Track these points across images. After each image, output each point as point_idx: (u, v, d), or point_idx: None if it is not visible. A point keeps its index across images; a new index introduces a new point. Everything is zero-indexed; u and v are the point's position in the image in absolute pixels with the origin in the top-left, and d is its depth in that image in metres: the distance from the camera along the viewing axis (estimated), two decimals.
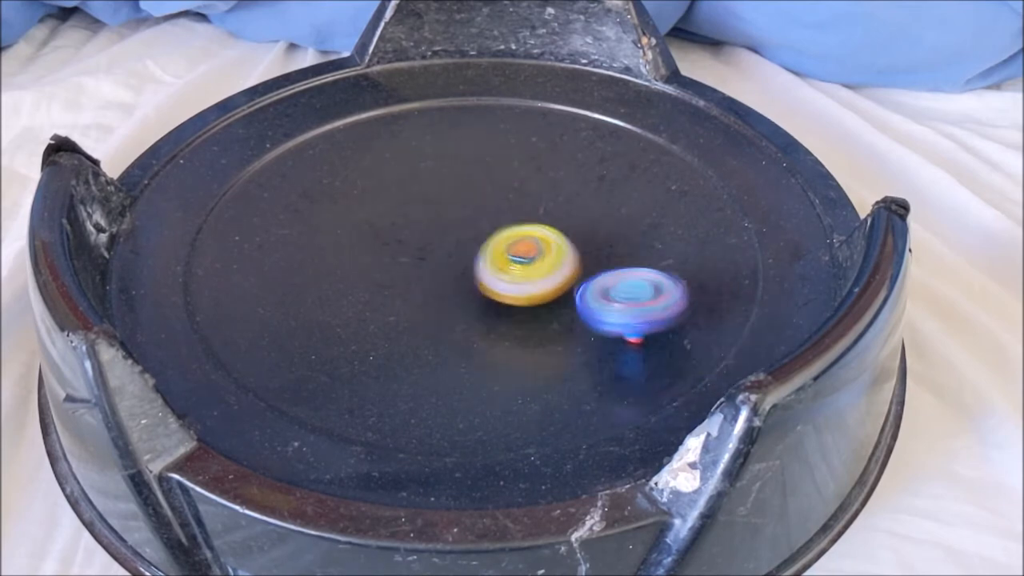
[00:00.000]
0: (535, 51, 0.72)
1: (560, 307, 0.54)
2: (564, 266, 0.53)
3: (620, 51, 0.71)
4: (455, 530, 0.42)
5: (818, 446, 0.46)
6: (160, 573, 0.47)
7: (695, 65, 0.84)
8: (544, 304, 0.53)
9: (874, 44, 0.80)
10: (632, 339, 0.51)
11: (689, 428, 0.43)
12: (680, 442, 0.43)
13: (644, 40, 0.70)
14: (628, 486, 0.43)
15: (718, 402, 0.42)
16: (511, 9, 0.71)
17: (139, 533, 0.46)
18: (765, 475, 0.43)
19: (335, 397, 0.49)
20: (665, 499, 0.43)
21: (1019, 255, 0.66)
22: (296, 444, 0.46)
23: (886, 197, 0.53)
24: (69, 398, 0.45)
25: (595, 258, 0.57)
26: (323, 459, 0.46)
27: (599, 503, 0.43)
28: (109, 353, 0.42)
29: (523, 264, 0.53)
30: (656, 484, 0.43)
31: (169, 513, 0.44)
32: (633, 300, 0.51)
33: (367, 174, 0.63)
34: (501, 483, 0.45)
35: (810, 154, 0.63)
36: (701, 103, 0.68)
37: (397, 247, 0.58)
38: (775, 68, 0.84)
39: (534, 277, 0.53)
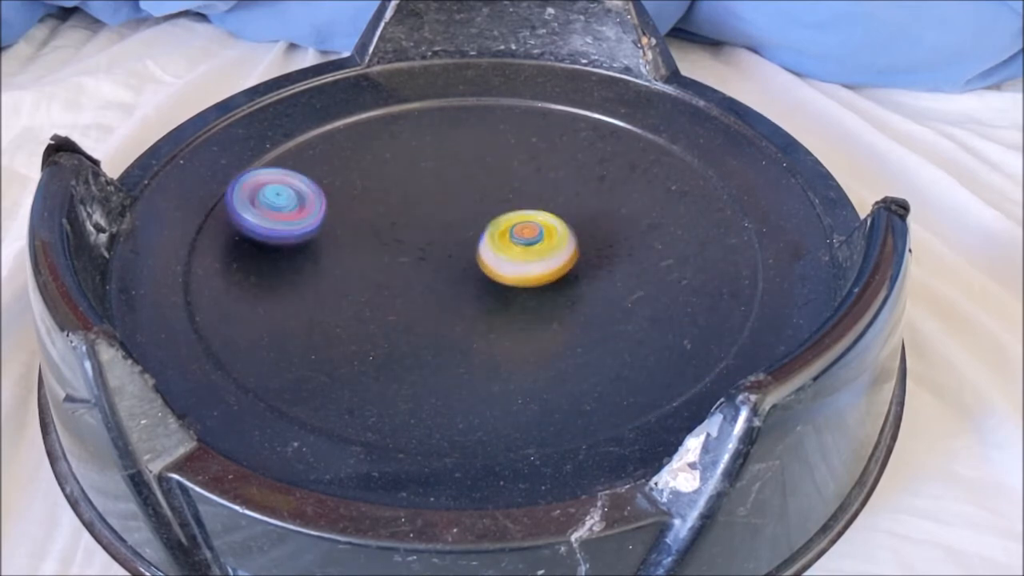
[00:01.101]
0: (535, 51, 0.72)
1: (560, 307, 0.54)
2: (565, 250, 0.54)
3: (620, 51, 0.71)
4: (455, 530, 0.42)
5: (818, 446, 0.46)
6: (160, 573, 0.47)
7: (695, 65, 0.84)
8: (538, 306, 0.54)
9: (874, 44, 0.80)
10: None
11: (689, 428, 0.43)
12: (680, 442, 0.43)
13: (644, 40, 0.70)
14: (628, 486, 0.43)
15: (718, 402, 0.42)
16: (511, 9, 0.72)
17: (139, 533, 0.46)
18: (765, 475, 0.43)
19: (335, 397, 0.49)
20: (665, 499, 0.43)
21: (1019, 255, 0.66)
22: (296, 444, 0.46)
23: (886, 197, 0.53)
24: (69, 398, 0.45)
25: (595, 258, 0.57)
26: (323, 459, 0.46)
27: (599, 503, 0.43)
28: (109, 353, 0.42)
29: (525, 246, 0.54)
30: (656, 484, 0.43)
31: (169, 513, 0.44)
32: (274, 209, 0.56)
33: (367, 174, 0.63)
34: (501, 483, 0.45)
35: (810, 154, 0.63)
36: (701, 103, 0.68)
37: (397, 247, 0.58)
38: (775, 68, 0.84)
39: (534, 259, 0.54)
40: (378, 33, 0.71)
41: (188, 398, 0.48)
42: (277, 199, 0.56)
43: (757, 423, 0.41)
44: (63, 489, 0.51)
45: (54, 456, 0.52)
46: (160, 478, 0.43)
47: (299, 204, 0.56)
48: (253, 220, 0.55)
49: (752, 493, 0.43)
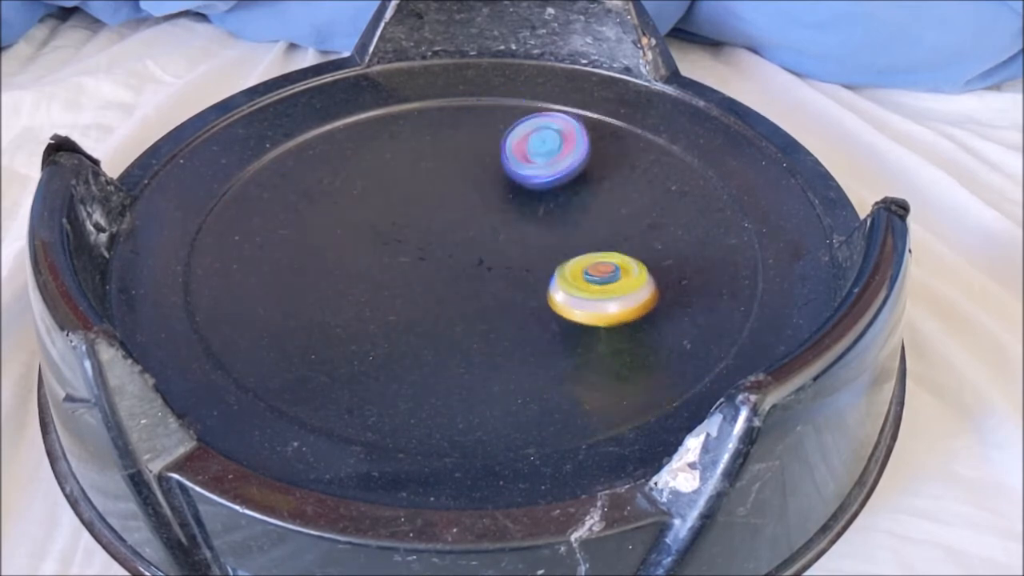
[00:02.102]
0: (535, 51, 0.72)
1: None
2: (643, 289, 0.51)
3: (620, 51, 0.71)
4: (455, 530, 0.42)
5: (818, 446, 0.46)
6: (160, 573, 0.47)
7: (695, 65, 0.84)
8: (538, 305, 0.53)
9: (874, 44, 0.80)
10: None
11: (689, 428, 0.43)
12: (680, 442, 0.43)
13: (644, 40, 0.70)
14: (628, 486, 0.43)
15: (718, 402, 0.42)
16: (511, 9, 0.72)
17: (139, 533, 0.46)
18: (765, 475, 0.43)
19: (335, 397, 0.49)
20: (665, 499, 0.43)
21: (1019, 255, 0.66)
22: (296, 444, 0.46)
23: (886, 197, 0.53)
24: (69, 398, 0.45)
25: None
26: (323, 459, 0.46)
27: (599, 503, 0.43)
28: (109, 353, 0.42)
29: (600, 284, 0.51)
30: (656, 484, 0.43)
31: (169, 513, 0.44)
32: (546, 155, 0.60)
33: (367, 174, 0.63)
34: (501, 483, 0.45)
35: (810, 154, 0.63)
36: (701, 103, 0.68)
37: (397, 247, 0.58)
38: (775, 68, 0.84)
39: (610, 297, 0.51)
40: (378, 33, 0.71)
41: (188, 398, 0.48)
42: (544, 145, 0.61)
43: (757, 423, 0.41)
44: (63, 489, 0.51)
45: (54, 456, 0.52)
46: (160, 478, 0.43)
47: (562, 141, 0.61)
48: (536, 172, 0.60)
49: (752, 493, 0.43)
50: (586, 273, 0.51)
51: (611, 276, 0.51)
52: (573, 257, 0.53)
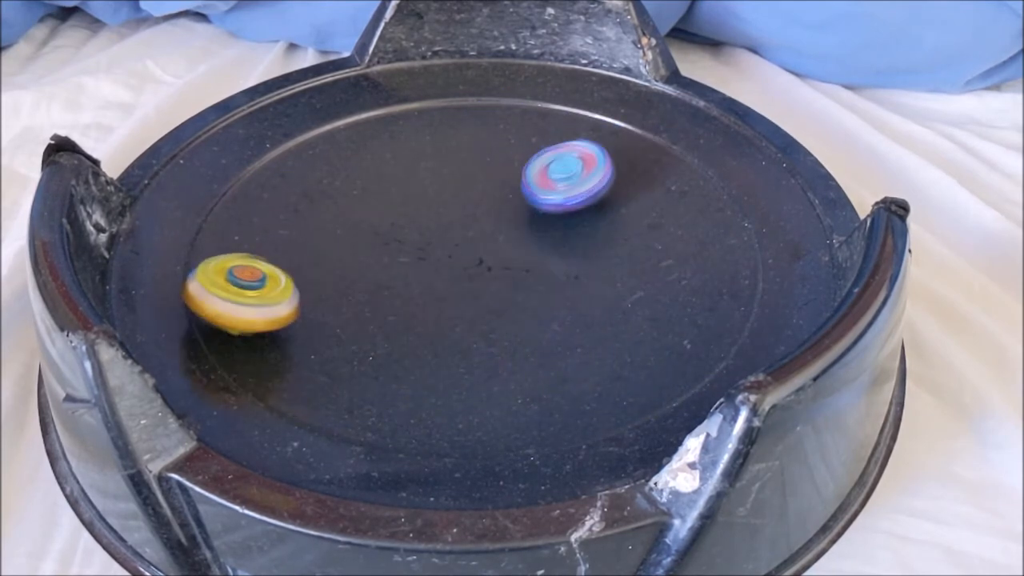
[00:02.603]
0: (535, 51, 0.72)
1: (560, 307, 0.54)
2: (285, 304, 0.51)
3: (620, 51, 0.71)
4: (455, 530, 0.42)
5: (817, 447, 0.46)
6: (160, 573, 0.47)
7: (695, 65, 0.84)
8: (538, 305, 0.54)
9: (874, 45, 0.80)
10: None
11: (689, 428, 0.43)
12: (680, 442, 0.43)
13: (644, 40, 0.70)
14: (628, 486, 0.43)
15: (718, 402, 0.42)
16: (511, 9, 0.72)
17: (139, 533, 0.46)
18: (764, 476, 0.43)
19: (334, 397, 0.49)
20: (665, 499, 0.43)
21: (1019, 255, 0.66)
22: (296, 444, 0.46)
23: (886, 198, 0.53)
24: (69, 398, 0.45)
25: (595, 258, 0.57)
26: (323, 459, 0.46)
27: (599, 503, 0.43)
28: (109, 353, 0.42)
29: (243, 288, 0.50)
30: (656, 484, 0.43)
31: (169, 513, 0.44)
32: (567, 178, 0.59)
33: (367, 174, 0.63)
34: (501, 483, 0.45)
35: (810, 155, 0.63)
36: (701, 104, 0.68)
37: (397, 247, 0.58)
38: (775, 69, 0.84)
39: (251, 302, 0.50)
40: (378, 33, 0.71)
41: (188, 398, 0.48)
42: (567, 169, 0.59)
43: (757, 423, 0.41)
44: (63, 489, 0.51)
45: (54, 456, 0.52)
46: (160, 478, 0.43)
47: (583, 164, 0.59)
48: (559, 199, 0.59)
49: (752, 493, 0.43)
50: (230, 273, 0.50)
51: (256, 283, 0.50)
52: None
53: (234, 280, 0.50)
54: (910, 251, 0.51)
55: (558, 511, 0.42)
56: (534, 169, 0.60)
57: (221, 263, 0.51)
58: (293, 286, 0.52)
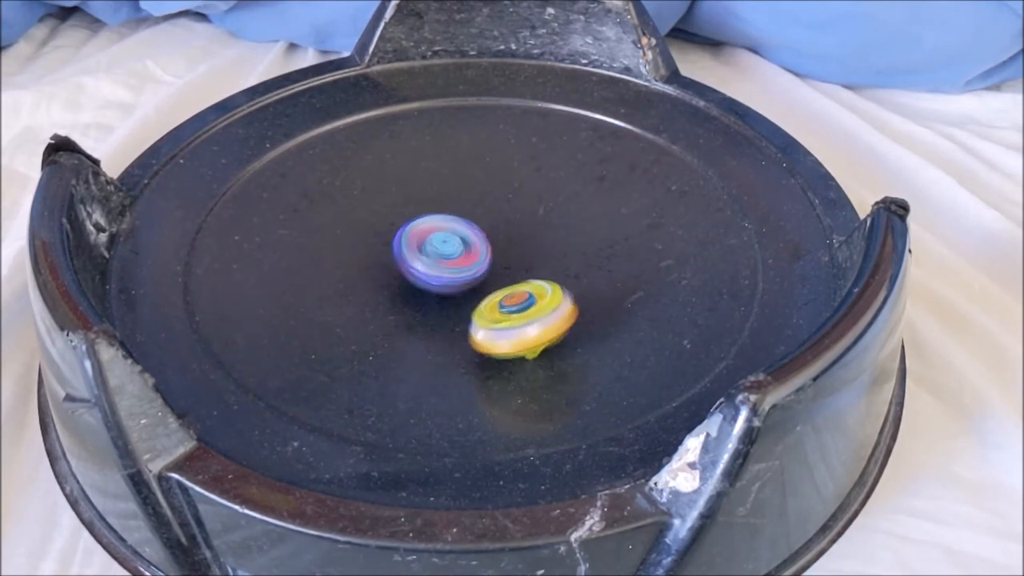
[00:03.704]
0: (535, 51, 0.72)
1: None
2: (559, 308, 0.50)
3: (620, 51, 0.71)
4: (454, 530, 0.42)
5: (817, 446, 0.46)
6: (159, 573, 0.47)
7: (695, 65, 0.84)
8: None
9: (874, 45, 0.80)
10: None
11: (689, 428, 0.43)
12: (680, 442, 0.43)
13: (644, 40, 0.70)
14: (628, 486, 0.43)
15: (718, 402, 0.42)
16: (511, 9, 0.72)
17: (138, 533, 0.46)
18: (764, 475, 0.43)
19: (335, 397, 0.49)
20: (664, 499, 0.43)
21: (1019, 256, 0.66)
22: (295, 444, 0.46)
23: (886, 197, 0.53)
24: (69, 398, 0.45)
25: (595, 258, 0.57)
26: (322, 459, 0.46)
27: (598, 503, 0.43)
28: (109, 353, 0.42)
29: (517, 313, 0.50)
30: (656, 484, 0.43)
31: (168, 513, 0.44)
32: (442, 257, 0.54)
33: (367, 174, 0.63)
34: (500, 483, 0.45)
35: (810, 154, 0.63)
36: (701, 103, 0.68)
37: None
38: (775, 69, 0.84)
39: (531, 319, 0.50)
40: (378, 33, 0.71)
41: (188, 398, 0.48)
42: (444, 246, 0.54)
43: (757, 423, 0.41)
44: (63, 489, 0.51)
45: (54, 456, 0.52)
46: (160, 478, 0.43)
47: (464, 249, 0.54)
48: (423, 269, 0.53)
49: (752, 493, 0.43)
50: (501, 305, 0.51)
51: (526, 303, 0.50)
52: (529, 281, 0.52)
53: (507, 309, 0.50)
54: (910, 251, 0.51)
55: (558, 511, 0.42)
56: (414, 228, 0.55)
57: (490, 302, 0.51)
58: (559, 288, 0.51)
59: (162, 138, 0.64)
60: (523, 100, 0.69)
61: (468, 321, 0.53)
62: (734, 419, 0.41)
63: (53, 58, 0.86)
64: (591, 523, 0.42)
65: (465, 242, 0.55)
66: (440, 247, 0.54)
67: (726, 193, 0.61)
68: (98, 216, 0.56)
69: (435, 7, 0.71)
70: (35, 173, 0.57)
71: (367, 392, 0.50)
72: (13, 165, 0.72)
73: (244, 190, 0.61)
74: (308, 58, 0.84)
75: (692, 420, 0.44)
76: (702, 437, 0.42)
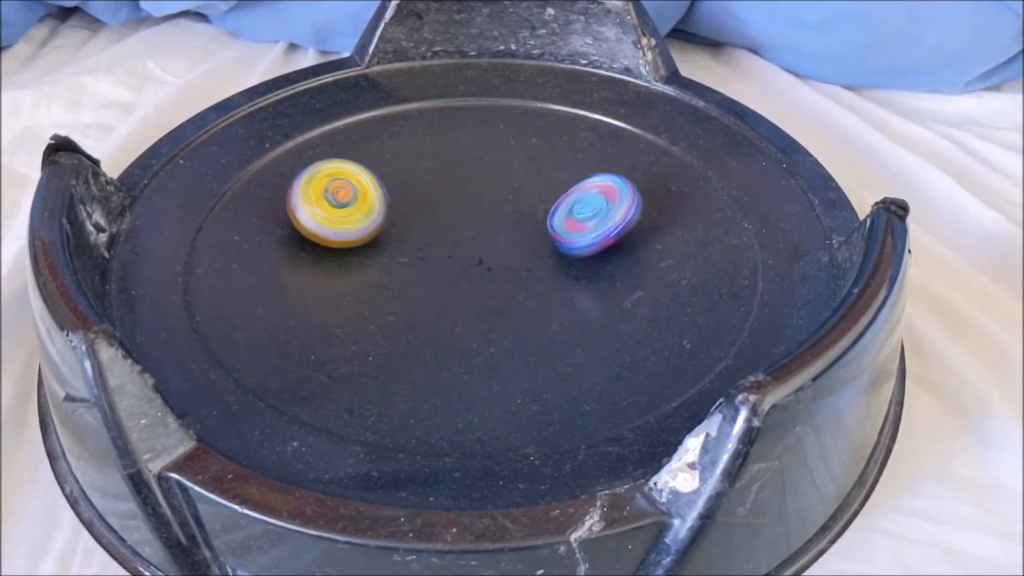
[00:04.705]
0: (535, 52, 0.72)
1: (560, 307, 0.54)
2: (376, 214, 0.57)
3: (620, 52, 0.71)
4: (454, 530, 0.42)
5: (817, 447, 0.46)
6: (159, 573, 0.47)
7: (695, 66, 0.84)
8: (538, 306, 0.54)
9: (874, 45, 0.80)
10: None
11: (688, 428, 0.43)
12: (679, 442, 0.43)
13: (644, 41, 0.70)
14: (627, 486, 0.43)
15: (717, 402, 0.42)
16: (511, 9, 0.72)
17: (138, 533, 0.46)
18: (764, 476, 0.43)
19: (334, 397, 0.49)
20: (664, 499, 0.43)
21: (1019, 256, 0.66)
22: (295, 444, 0.46)
23: (885, 198, 0.53)
24: (69, 398, 0.45)
25: (595, 258, 0.57)
26: (322, 459, 0.46)
27: (598, 503, 0.43)
28: (109, 353, 0.42)
29: (342, 208, 0.56)
30: (655, 484, 0.43)
31: (168, 513, 0.44)
32: (594, 215, 0.56)
33: None
34: (500, 483, 0.45)
35: (810, 155, 0.63)
36: (701, 104, 0.68)
37: (397, 247, 0.58)
38: (775, 69, 0.84)
39: (350, 224, 0.56)
40: (378, 33, 0.71)
41: (188, 398, 0.48)
42: (592, 206, 0.57)
43: (756, 423, 0.41)
44: (62, 489, 0.51)
45: (54, 456, 0.52)
46: (160, 478, 0.43)
47: (605, 199, 0.57)
48: (592, 237, 0.56)
49: (751, 493, 0.43)
50: (327, 192, 0.56)
51: (350, 201, 0.56)
52: None
53: (332, 200, 0.56)
54: (910, 251, 0.51)
55: (558, 511, 0.42)
56: (559, 218, 0.57)
57: (320, 178, 0.57)
58: (375, 206, 0.57)
59: (162, 138, 0.64)
60: (523, 100, 0.69)
61: (469, 322, 0.54)
62: (734, 419, 0.41)
63: (53, 58, 0.86)
64: (591, 523, 0.42)
65: (601, 194, 0.57)
66: (588, 209, 0.57)
67: (726, 193, 0.61)
68: (98, 216, 0.56)
69: (435, 7, 0.71)
70: (35, 173, 0.57)
71: (367, 392, 0.50)
72: (13, 165, 0.72)
73: (244, 190, 0.61)
74: (308, 58, 0.84)
75: (692, 420, 0.44)
76: (702, 437, 0.42)
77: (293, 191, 0.57)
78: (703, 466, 0.42)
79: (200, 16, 0.89)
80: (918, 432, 0.55)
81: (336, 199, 0.56)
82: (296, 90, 0.69)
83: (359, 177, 0.57)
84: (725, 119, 0.67)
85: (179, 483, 0.43)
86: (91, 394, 0.42)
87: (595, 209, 0.56)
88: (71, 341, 0.42)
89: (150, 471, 0.43)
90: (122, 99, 0.79)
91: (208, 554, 0.45)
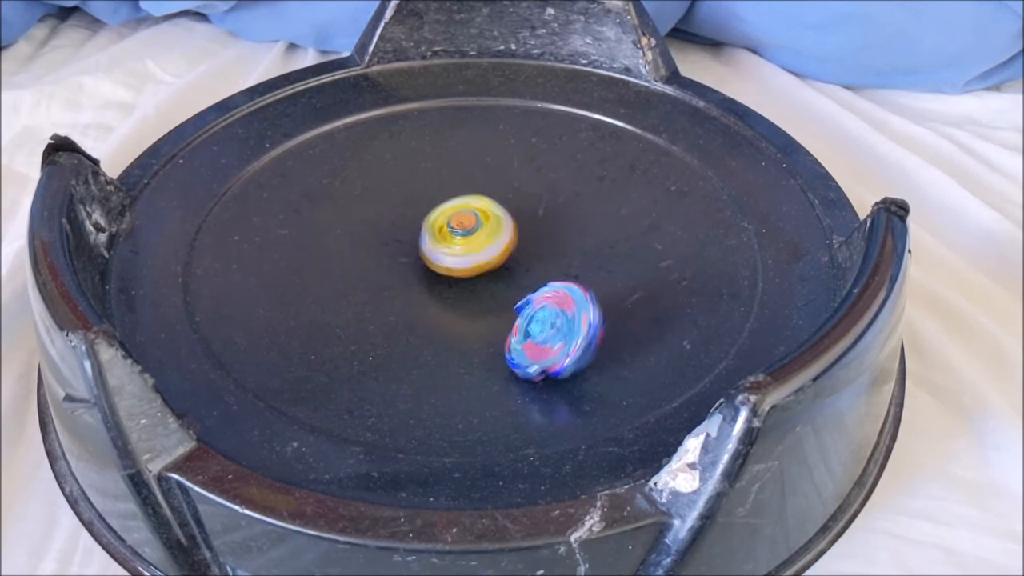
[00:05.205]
0: (535, 51, 0.72)
1: None
2: (503, 234, 0.56)
3: (620, 51, 0.71)
4: (454, 530, 0.42)
5: (817, 447, 0.46)
6: (159, 573, 0.47)
7: (695, 66, 0.84)
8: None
9: (874, 45, 0.80)
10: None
11: (689, 428, 0.43)
12: (679, 442, 0.43)
13: (644, 41, 0.70)
14: (627, 486, 0.43)
15: (717, 403, 0.42)
16: (511, 9, 0.72)
17: (138, 533, 0.46)
18: (764, 476, 0.43)
19: (334, 397, 0.49)
20: (664, 500, 0.43)
21: (1019, 256, 0.66)
22: (295, 444, 0.46)
23: (885, 198, 0.53)
24: (68, 398, 0.45)
25: (595, 258, 0.57)
26: (322, 459, 0.46)
27: (598, 503, 0.43)
28: (108, 353, 0.42)
29: (464, 236, 0.55)
30: (655, 484, 0.43)
31: (168, 513, 0.44)
32: (555, 335, 0.49)
33: (367, 174, 0.63)
34: (500, 483, 0.45)
35: (810, 155, 0.63)
36: (701, 104, 0.68)
37: (397, 247, 0.58)
38: (775, 69, 0.84)
39: (475, 249, 0.55)
40: (378, 33, 0.71)
41: (188, 398, 0.48)
42: (548, 326, 0.50)
43: (756, 424, 0.41)
44: (62, 489, 0.51)
45: (53, 456, 0.52)
46: (160, 478, 0.43)
47: (561, 312, 0.50)
48: (560, 359, 0.49)
49: (751, 494, 0.43)
50: (449, 225, 0.55)
51: (472, 227, 0.55)
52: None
53: (453, 230, 0.55)
54: (910, 251, 0.51)
55: (558, 511, 0.42)
56: (517, 345, 0.50)
57: (441, 215, 0.56)
58: (502, 228, 0.56)
59: (162, 138, 0.64)
60: (523, 100, 0.69)
61: (469, 321, 0.54)
62: (734, 419, 0.41)
63: (53, 58, 0.86)
64: (591, 523, 0.42)
65: (556, 306, 0.50)
66: (546, 329, 0.50)
67: (726, 193, 0.61)
68: (98, 216, 0.56)
69: (435, 7, 0.71)
70: (35, 173, 0.57)
71: (367, 392, 0.50)
72: (13, 165, 0.72)
73: (244, 190, 0.61)
74: (308, 58, 0.84)
75: (692, 420, 0.44)
76: (702, 437, 0.42)
77: (422, 239, 0.56)
78: (703, 466, 0.42)
79: (200, 16, 0.89)
80: (918, 432, 0.55)
81: (461, 228, 0.55)
82: (296, 90, 0.69)
83: (475, 205, 0.57)
84: (725, 119, 0.67)
85: (179, 483, 0.43)
86: (91, 394, 0.42)
87: (557, 326, 0.49)
88: (71, 341, 0.42)
89: (150, 471, 0.43)
90: (122, 99, 0.79)
91: (208, 554, 0.45)
